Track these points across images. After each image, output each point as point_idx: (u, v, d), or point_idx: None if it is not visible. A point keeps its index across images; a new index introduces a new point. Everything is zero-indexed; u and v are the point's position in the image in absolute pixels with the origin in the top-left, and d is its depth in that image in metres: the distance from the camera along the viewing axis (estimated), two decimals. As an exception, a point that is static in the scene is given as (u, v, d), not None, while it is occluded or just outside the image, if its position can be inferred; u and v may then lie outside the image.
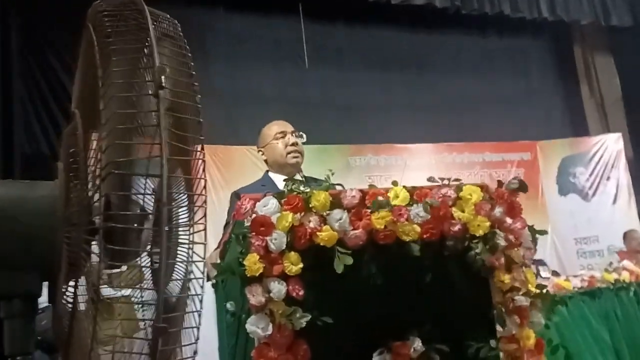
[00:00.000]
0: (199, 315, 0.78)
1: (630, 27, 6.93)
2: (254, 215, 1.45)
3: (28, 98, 5.05)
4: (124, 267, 0.91)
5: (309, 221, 1.46)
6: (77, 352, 0.76)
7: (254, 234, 1.42)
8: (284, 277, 1.41)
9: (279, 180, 2.26)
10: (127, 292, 0.98)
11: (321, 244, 1.45)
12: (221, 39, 5.85)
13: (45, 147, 5.05)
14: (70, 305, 0.80)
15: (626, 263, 3.87)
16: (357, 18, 6.34)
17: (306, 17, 5.88)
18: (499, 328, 1.59)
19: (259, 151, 2.37)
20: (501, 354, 1.58)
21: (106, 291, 0.86)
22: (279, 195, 1.49)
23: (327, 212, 1.48)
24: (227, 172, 4.99)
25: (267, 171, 2.34)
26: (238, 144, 5.22)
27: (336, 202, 1.50)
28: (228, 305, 1.52)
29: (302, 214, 1.47)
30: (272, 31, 6.02)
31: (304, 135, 2.32)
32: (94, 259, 0.82)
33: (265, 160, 2.34)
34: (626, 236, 5.62)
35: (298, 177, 2.14)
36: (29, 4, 4.99)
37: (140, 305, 0.93)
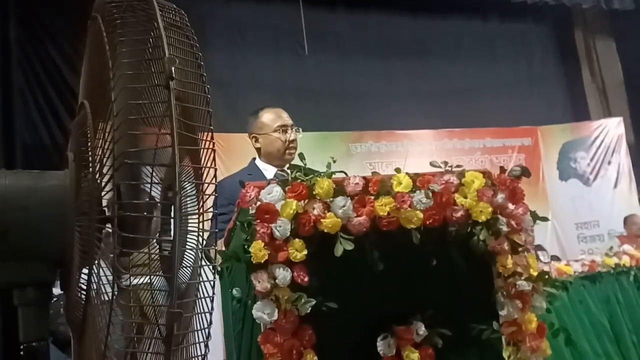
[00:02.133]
0: (212, 300, 0.79)
1: (631, 11, 6.88)
2: (258, 203, 1.46)
3: (27, 87, 5.05)
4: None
5: (313, 208, 1.47)
6: (91, 338, 0.78)
7: (258, 221, 1.43)
8: (288, 263, 1.42)
9: (266, 169, 2.26)
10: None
11: (325, 231, 1.47)
12: (221, 26, 5.82)
13: (45, 136, 5.05)
14: (84, 293, 0.82)
15: (626, 247, 3.89)
16: (357, 4, 6.30)
17: (306, 4, 5.84)
18: (501, 312, 1.61)
19: (252, 137, 2.32)
20: (503, 338, 1.60)
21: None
22: (283, 182, 1.50)
23: (331, 199, 1.49)
24: (228, 160, 4.99)
25: (254, 159, 2.34)
26: (238, 131, 5.22)
27: (339, 189, 1.51)
28: (234, 291, 1.54)
29: (306, 201, 1.48)
30: (272, 18, 5.99)
31: (301, 130, 2.31)
32: (103, 246, 0.83)
33: (258, 148, 2.32)
34: (627, 221, 5.64)
35: (299, 164, 2.15)
36: (26, -7, 4.97)
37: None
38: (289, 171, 1.57)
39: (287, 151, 2.26)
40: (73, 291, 0.84)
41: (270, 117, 2.31)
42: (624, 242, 4.50)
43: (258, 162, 2.31)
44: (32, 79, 5.05)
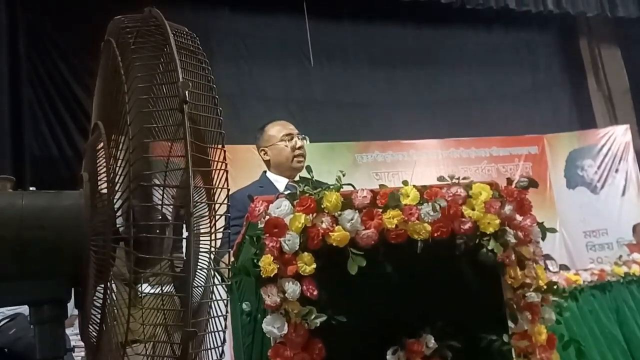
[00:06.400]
0: (225, 319, 0.80)
1: (636, 18, 6.89)
2: (267, 217, 1.47)
3: (36, 101, 5.11)
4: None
5: (322, 222, 1.48)
6: (107, 357, 0.79)
7: (267, 235, 1.44)
8: (298, 277, 1.43)
9: (277, 181, 2.29)
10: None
11: (334, 244, 1.47)
12: (226, 39, 5.88)
13: (54, 149, 5.11)
14: (99, 311, 0.83)
15: (636, 256, 3.86)
16: (361, 15, 6.35)
17: (311, 16, 5.90)
18: (510, 324, 1.60)
19: (260, 150, 2.36)
20: (513, 350, 1.59)
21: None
22: (291, 196, 1.51)
23: (339, 212, 1.50)
24: (234, 171, 5.00)
25: (265, 172, 2.36)
26: (245, 143, 5.26)
27: (347, 202, 1.52)
28: (244, 305, 1.54)
29: (315, 215, 1.49)
30: (277, 30, 6.04)
31: (307, 138, 2.35)
32: (118, 264, 0.84)
33: (267, 161, 2.35)
34: (636, 229, 5.60)
35: (307, 176, 2.16)
36: (35, 9, 5.04)
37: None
38: (297, 185, 1.58)
39: (295, 158, 2.29)
40: (88, 309, 0.85)
41: (275, 129, 2.36)
42: (634, 251, 4.47)
43: (269, 174, 2.34)
44: (41, 92, 5.12)
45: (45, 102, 5.12)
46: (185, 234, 0.78)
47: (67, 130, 5.10)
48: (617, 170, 6.55)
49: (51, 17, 5.15)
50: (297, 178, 2.19)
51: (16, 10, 4.93)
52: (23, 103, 4.92)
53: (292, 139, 2.31)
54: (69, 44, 5.13)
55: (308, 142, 2.36)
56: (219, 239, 0.83)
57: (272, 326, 1.39)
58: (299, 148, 2.30)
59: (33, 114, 5.06)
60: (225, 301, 0.80)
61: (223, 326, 0.80)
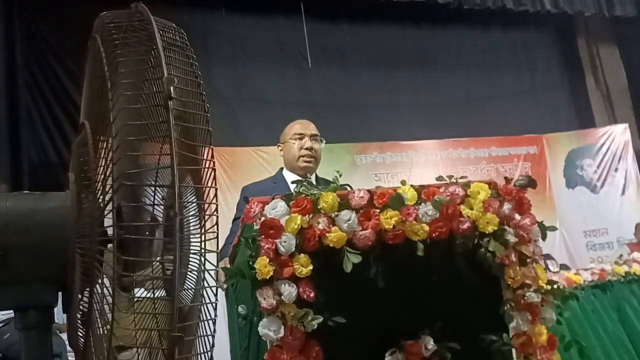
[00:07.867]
0: (214, 323, 0.78)
1: (634, 17, 6.89)
2: (262, 218, 1.45)
3: (34, 106, 5.10)
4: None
5: (318, 223, 1.46)
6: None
7: (263, 237, 1.42)
8: (294, 279, 1.41)
9: (292, 179, 2.28)
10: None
11: (330, 245, 1.45)
12: (223, 41, 5.87)
13: (52, 153, 5.10)
14: (85, 316, 0.81)
15: (637, 255, 3.83)
16: (359, 16, 6.34)
17: (308, 17, 5.89)
18: (510, 325, 1.58)
19: (278, 146, 2.39)
20: (514, 351, 1.57)
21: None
22: (287, 197, 1.49)
23: (336, 213, 1.48)
24: (233, 174, 5.01)
25: (282, 168, 2.37)
26: (243, 145, 5.25)
27: (344, 203, 1.50)
28: (240, 308, 1.52)
29: (311, 215, 1.47)
30: (274, 32, 6.03)
31: (324, 140, 2.33)
32: (106, 268, 0.82)
33: (282, 157, 2.37)
34: (637, 228, 5.58)
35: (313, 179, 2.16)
36: (32, 14, 5.03)
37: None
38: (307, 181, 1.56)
39: (301, 158, 2.27)
40: (74, 314, 0.83)
41: (292, 126, 2.36)
42: (634, 250, 4.44)
43: (284, 171, 2.35)
44: (38, 97, 5.10)
45: (43, 107, 5.11)
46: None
47: (65, 135, 5.09)
48: (616, 170, 6.54)
49: (48, 22, 5.14)
50: (313, 179, 2.18)
51: (13, 15, 4.92)
52: (20, 108, 4.91)
53: (302, 138, 2.29)
54: (65, 48, 5.12)
55: (323, 144, 2.34)
56: (210, 239, 0.81)
57: (268, 329, 1.37)
58: (307, 149, 2.28)
59: (30, 118, 5.05)
60: (214, 304, 0.78)
61: (212, 330, 0.78)
